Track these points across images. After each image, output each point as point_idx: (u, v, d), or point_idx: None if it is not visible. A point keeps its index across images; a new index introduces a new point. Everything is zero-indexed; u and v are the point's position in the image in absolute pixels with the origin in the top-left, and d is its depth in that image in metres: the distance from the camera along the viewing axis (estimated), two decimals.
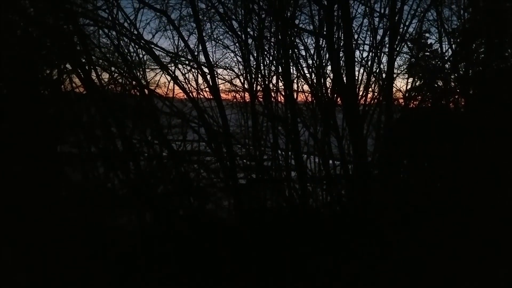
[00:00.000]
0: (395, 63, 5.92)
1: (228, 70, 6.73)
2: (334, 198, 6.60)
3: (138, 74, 6.15)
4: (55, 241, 4.66)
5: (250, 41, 6.07)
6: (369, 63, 6.05)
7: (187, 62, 6.20)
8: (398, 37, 5.84)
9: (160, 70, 6.15)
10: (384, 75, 6.02)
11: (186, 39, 5.98)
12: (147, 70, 6.38)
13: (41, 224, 4.68)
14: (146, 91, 6.03)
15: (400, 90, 6.59)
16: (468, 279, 4.08)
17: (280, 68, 6.04)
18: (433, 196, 5.67)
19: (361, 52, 6.25)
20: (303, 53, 6.05)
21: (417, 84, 6.27)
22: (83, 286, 4.39)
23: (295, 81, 6.19)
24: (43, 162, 5.35)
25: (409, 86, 6.42)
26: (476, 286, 4.02)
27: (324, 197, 6.68)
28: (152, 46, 5.75)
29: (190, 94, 6.13)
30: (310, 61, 6.01)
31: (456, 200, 5.26)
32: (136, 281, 4.75)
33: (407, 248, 4.86)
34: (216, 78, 5.92)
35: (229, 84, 6.73)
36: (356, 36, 6.02)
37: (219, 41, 6.59)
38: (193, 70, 6.35)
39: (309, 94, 6.33)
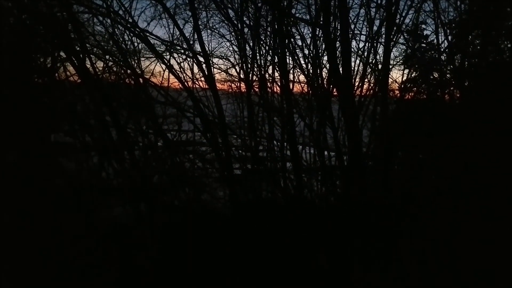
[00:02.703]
0: (391, 54, 5.92)
1: (223, 60, 6.68)
2: (329, 189, 6.62)
3: (133, 62, 6.10)
4: (49, 233, 4.63)
5: (246, 30, 6.04)
6: (366, 53, 6.05)
7: (182, 51, 6.16)
8: (395, 28, 5.82)
9: (155, 59, 6.11)
10: (380, 66, 6.01)
11: (182, 27, 5.95)
12: (142, 58, 6.33)
13: (35, 216, 4.63)
14: (141, 80, 5.99)
15: (396, 81, 6.58)
16: (466, 276, 4.07)
17: (276, 58, 6.02)
18: (428, 188, 5.69)
19: (358, 42, 6.22)
20: (300, 43, 6.03)
21: (412, 75, 6.26)
22: (78, 281, 4.36)
23: (291, 71, 6.17)
24: (36, 151, 5.31)
25: (405, 78, 6.41)
26: (475, 281, 4.02)
27: (319, 188, 6.70)
28: (147, 34, 5.71)
29: (186, 83, 6.11)
30: (306, 51, 5.99)
31: (451, 192, 5.28)
32: (132, 276, 4.71)
33: (401, 241, 4.88)
34: (212, 68, 5.92)
35: (224, 74, 6.69)
36: (352, 26, 6.00)
37: (215, 30, 6.53)
38: (188, 59, 6.31)
39: (305, 85, 6.32)
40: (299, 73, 6.36)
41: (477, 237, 4.34)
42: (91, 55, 5.72)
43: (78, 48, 5.54)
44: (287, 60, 5.93)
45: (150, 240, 5.46)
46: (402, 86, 6.30)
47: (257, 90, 6.28)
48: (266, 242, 5.15)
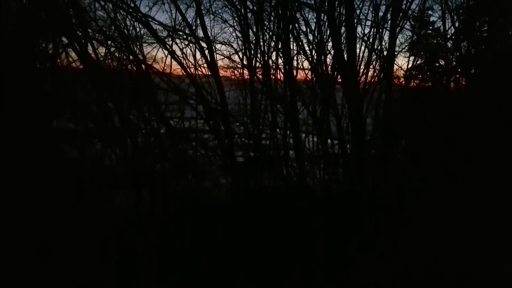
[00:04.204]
0: (397, 40, 5.83)
1: (226, 46, 6.60)
2: (331, 178, 6.60)
3: (135, 48, 6.02)
4: (51, 222, 4.60)
5: (249, 15, 5.95)
6: (371, 40, 5.95)
7: (184, 37, 6.08)
8: (401, 13, 5.73)
9: (157, 44, 6.03)
10: (385, 53, 5.92)
11: (184, 12, 5.84)
12: (144, 44, 6.24)
13: (37, 205, 4.60)
14: (143, 66, 5.93)
15: (401, 68, 6.49)
16: (466, 274, 4.03)
17: (280, 44, 5.94)
18: (430, 178, 5.65)
19: (363, 28, 6.12)
20: (304, 28, 5.95)
21: (417, 63, 6.17)
22: (77, 272, 4.31)
23: (295, 57, 6.09)
24: (38, 138, 5.28)
25: (410, 65, 6.32)
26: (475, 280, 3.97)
27: (321, 177, 6.67)
28: (149, 19, 5.66)
29: (188, 70, 6.06)
30: (310, 37, 5.91)
31: (455, 182, 5.24)
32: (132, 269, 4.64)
33: (402, 231, 4.85)
34: (215, 54, 5.86)
35: (227, 60, 6.62)
36: (358, 12, 5.90)
37: (218, 15, 6.41)
38: (191, 45, 6.23)
39: (309, 72, 6.24)
40: (303, 59, 6.30)
41: (478, 233, 4.30)
42: (93, 41, 5.67)
43: (79, 34, 5.48)
44: (291, 46, 5.87)
45: (152, 233, 5.39)
46: (407, 73, 6.22)
47: (260, 77, 6.23)
48: (266, 233, 5.08)
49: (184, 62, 6.09)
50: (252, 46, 6.07)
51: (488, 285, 3.85)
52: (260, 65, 6.14)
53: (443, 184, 5.34)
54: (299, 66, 6.27)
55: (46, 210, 4.68)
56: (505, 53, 5.97)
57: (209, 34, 5.85)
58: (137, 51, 6.04)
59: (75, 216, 5.03)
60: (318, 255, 4.71)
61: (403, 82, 6.35)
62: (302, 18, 5.89)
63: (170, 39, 6.05)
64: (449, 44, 6.15)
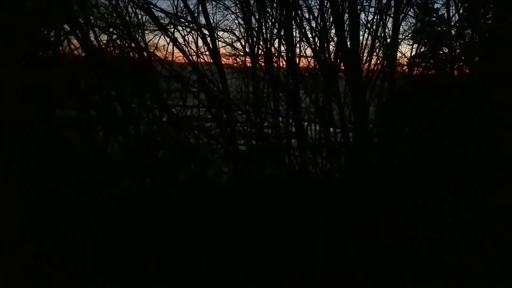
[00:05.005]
0: (400, 28, 5.78)
1: (228, 33, 6.57)
2: (334, 166, 6.60)
3: (137, 36, 6.00)
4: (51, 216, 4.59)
5: (252, 2, 5.91)
6: (374, 27, 5.90)
7: (186, 24, 6.05)
8: (404, 0, 5.68)
9: (158, 31, 6.01)
10: (389, 40, 5.89)
11: None
12: (146, 32, 6.21)
13: (38, 194, 4.59)
14: (145, 53, 5.91)
15: (405, 56, 6.44)
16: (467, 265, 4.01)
17: (282, 31, 5.90)
18: (433, 167, 5.64)
19: (367, 15, 6.07)
20: (307, 15, 5.90)
21: (421, 50, 6.12)
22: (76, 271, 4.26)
23: (297, 45, 6.06)
24: (41, 127, 5.27)
25: (413, 53, 6.28)
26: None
27: (323, 165, 6.67)
28: (151, 6, 5.63)
29: (190, 57, 6.04)
30: (313, 24, 5.87)
31: (456, 172, 5.23)
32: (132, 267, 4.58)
33: (403, 220, 4.84)
34: (217, 41, 5.83)
35: (229, 47, 6.58)
36: None
37: (220, 2, 6.34)
38: (193, 32, 6.20)
39: (312, 59, 6.21)
40: (305, 47, 6.27)
41: (481, 227, 4.27)
42: (94, 28, 5.64)
43: (81, 21, 5.45)
44: (294, 33, 5.83)
45: (152, 227, 5.32)
46: (411, 61, 6.18)
47: (262, 64, 6.20)
48: (266, 229, 5.03)
49: (186, 50, 6.07)
50: (255, 33, 6.04)
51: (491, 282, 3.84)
52: (262, 53, 6.12)
53: (446, 174, 5.33)
54: (301, 54, 6.26)
55: (46, 201, 4.68)
56: (510, 40, 5.91)
57: (211, 21, 5.84)
58: (139, 38, 6.04)
59: (75, 209, 5.02)
60: (318, 254, 4.67)
61: (407, 69, 6.31)
62: (305, 4, 5.84)
63: (172, 26, 6.03)
64: (453, 32, 6.08)
